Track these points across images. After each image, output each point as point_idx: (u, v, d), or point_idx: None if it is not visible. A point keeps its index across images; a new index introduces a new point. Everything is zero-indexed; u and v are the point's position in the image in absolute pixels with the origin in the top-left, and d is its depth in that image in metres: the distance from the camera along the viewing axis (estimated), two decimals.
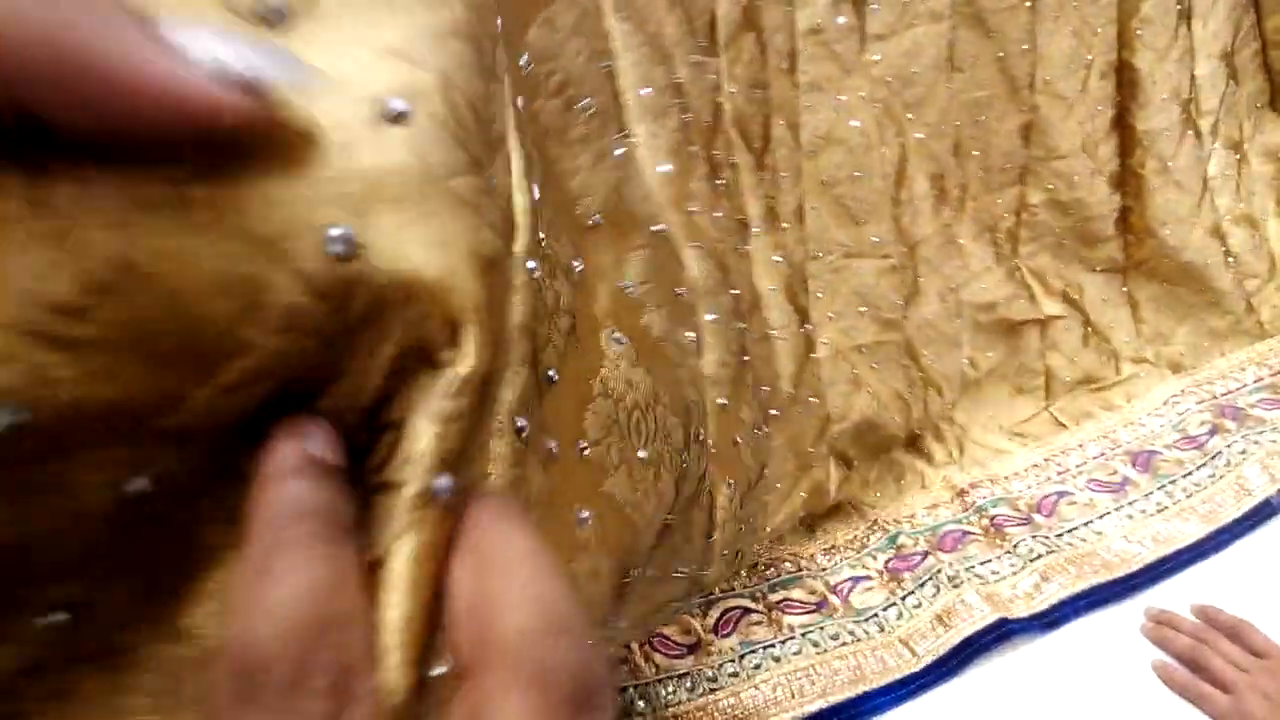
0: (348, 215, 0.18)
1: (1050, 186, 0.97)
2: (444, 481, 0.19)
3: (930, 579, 0.77)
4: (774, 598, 0.77)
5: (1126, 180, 0.99)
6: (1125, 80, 0.96)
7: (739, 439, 0.60)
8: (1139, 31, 0.94)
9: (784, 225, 0.76)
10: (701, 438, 0.53)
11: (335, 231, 0.18)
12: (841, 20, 0.77)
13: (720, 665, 0.71)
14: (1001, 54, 0.90)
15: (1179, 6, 0.96)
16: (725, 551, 0.59)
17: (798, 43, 0.75)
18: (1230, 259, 1.02)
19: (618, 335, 0.45)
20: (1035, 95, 0.93)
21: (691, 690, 0.69)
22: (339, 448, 0.19)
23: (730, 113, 0.69)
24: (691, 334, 0.56)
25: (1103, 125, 0.97)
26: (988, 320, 0.98)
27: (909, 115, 0.86)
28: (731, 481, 0.58)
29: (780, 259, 0.74)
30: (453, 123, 0.21)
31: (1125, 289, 1.03)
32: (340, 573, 0.17)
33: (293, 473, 0.17)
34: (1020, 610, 0.73)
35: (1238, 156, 1.07)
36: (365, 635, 0.17)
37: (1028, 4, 0.89)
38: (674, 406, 0.48)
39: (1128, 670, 0.69)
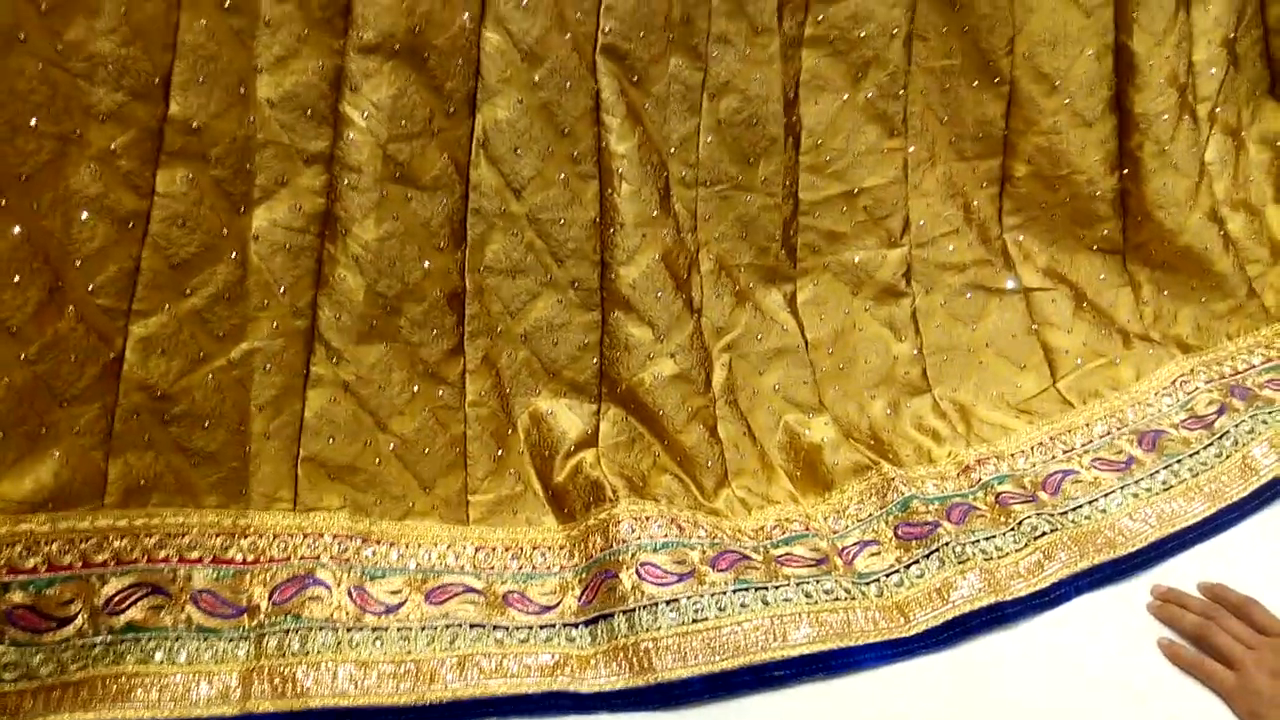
0: None
1: (1031, 161, 0.98)
2: None
3: (937, 551, 0.77)
4: (775, 552, 0.78)
5: (1125, 162, 0.99)
6: (1123, 62, 0.96)
7: None
8: (1135, 14, 0.94)
9: (672, 150, 0.86)
10: None
11: None
12: None
13: (710, 596, 0.71)
14: (968, 27, 0.94)
15: None
16: None
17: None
18: (1230, 244, 1.01)
19: None
20: (1014, 69, 0.95)
21: (677, 616, 0.69)
22: None
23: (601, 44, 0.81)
24: None
25: (1098, 105, 0.97)
26: (960, 283, 1.00)
27: (858, 75, 0.91)
28: None
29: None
30: None
31: (1126, 269, 1.02)
32: None
33: None
34: (1021, 588, 0.73)
35: (1235, 143, 1.06)
36: None
37: None
38: None
39: (1130, 647, 0.69)
